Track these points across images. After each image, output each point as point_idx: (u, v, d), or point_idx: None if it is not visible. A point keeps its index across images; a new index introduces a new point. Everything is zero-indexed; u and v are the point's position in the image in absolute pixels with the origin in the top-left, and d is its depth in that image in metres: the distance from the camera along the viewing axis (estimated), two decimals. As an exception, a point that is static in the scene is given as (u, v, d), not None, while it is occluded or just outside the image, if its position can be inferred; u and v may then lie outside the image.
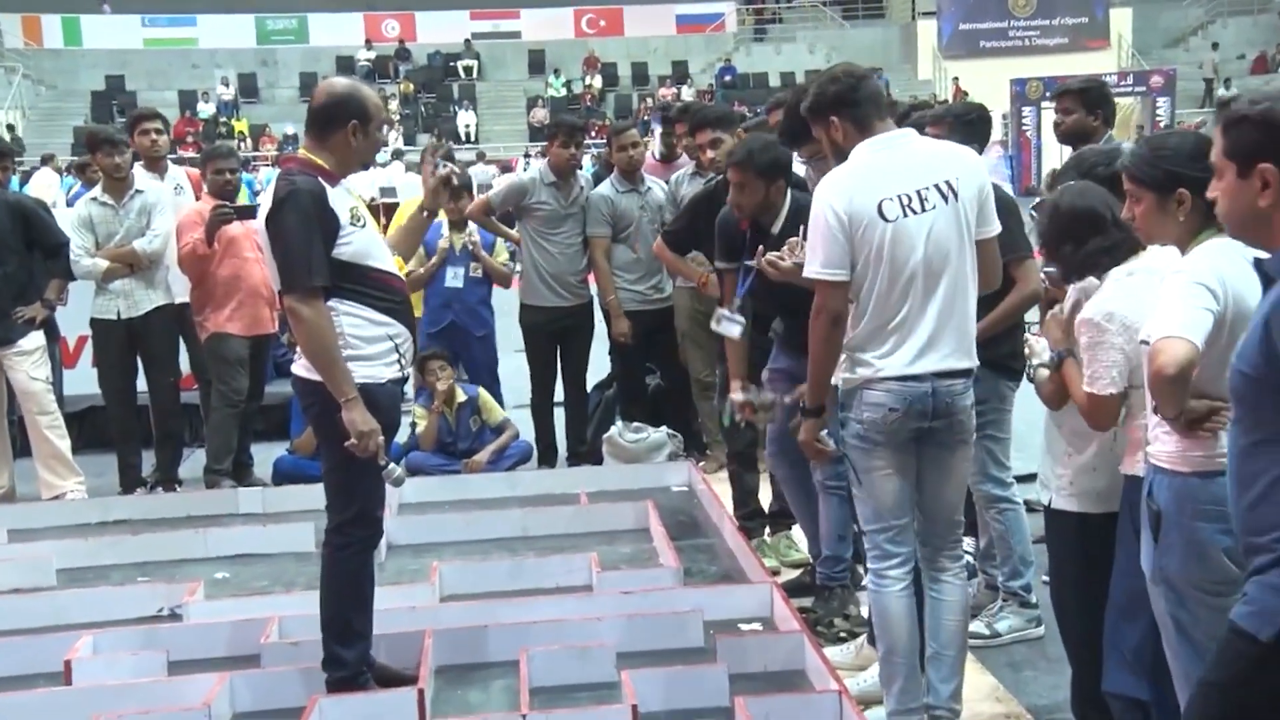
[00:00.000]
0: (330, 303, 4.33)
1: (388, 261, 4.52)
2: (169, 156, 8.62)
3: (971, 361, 4.21)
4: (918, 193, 4.06)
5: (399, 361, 4.50)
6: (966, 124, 5.35)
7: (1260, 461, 2.53)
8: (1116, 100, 6.60)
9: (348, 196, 4.45)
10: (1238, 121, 2.58)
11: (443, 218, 7.74)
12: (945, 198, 4.08)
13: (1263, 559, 2.57)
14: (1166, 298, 3.13)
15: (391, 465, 4.47)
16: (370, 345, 4.40)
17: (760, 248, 4.93)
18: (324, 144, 4.44)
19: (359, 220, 4.40)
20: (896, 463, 4.18)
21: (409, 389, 7.29)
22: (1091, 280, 3.84)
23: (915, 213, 4.05)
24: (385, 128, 5.57)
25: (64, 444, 7.68)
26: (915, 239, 4.05)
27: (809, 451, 4.45)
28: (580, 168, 8.18)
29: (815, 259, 4.12)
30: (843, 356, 4.19)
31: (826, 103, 4.21)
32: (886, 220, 4.04)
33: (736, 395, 5.24)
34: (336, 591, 4.52)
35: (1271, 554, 2.54)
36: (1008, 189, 5.73)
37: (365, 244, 4.40)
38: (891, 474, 4.18)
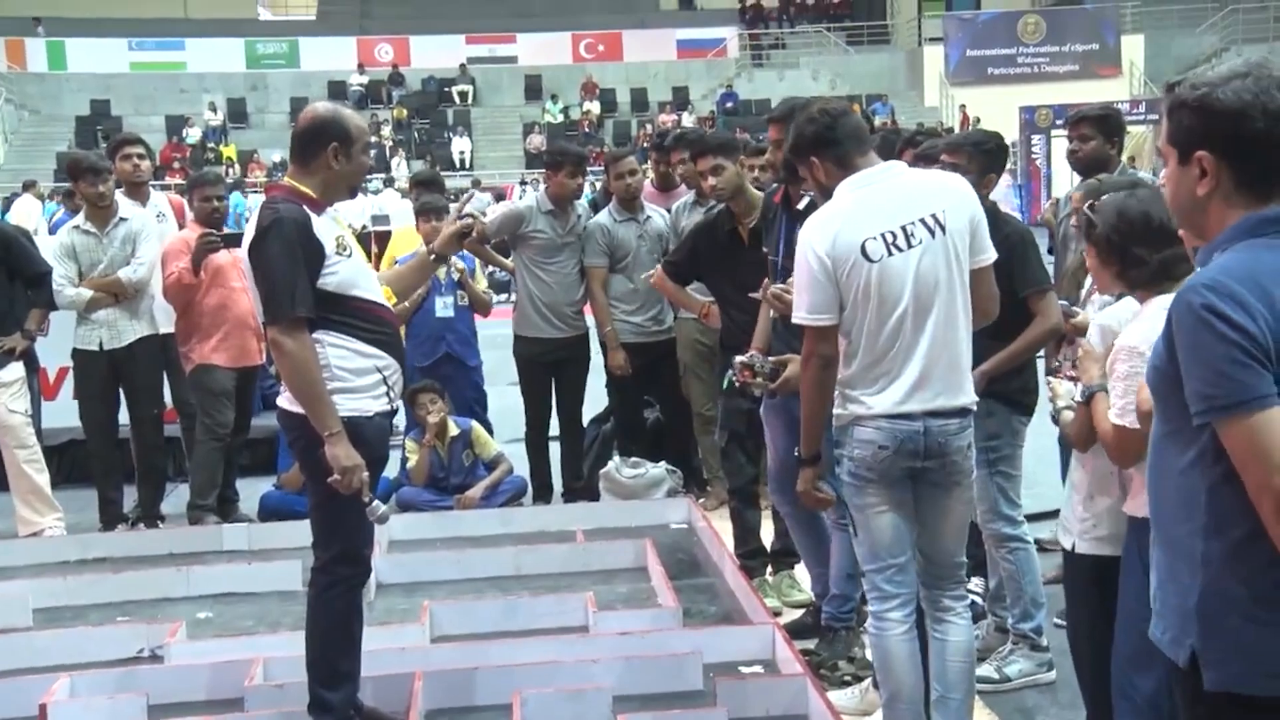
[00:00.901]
0: (316, 334, 4.27)
1: (375, 292, 4.46)
2: (152, 183, 8.48)
3: (967, 399, 4.12)
4: (903, 229, 3.98)
5: (387, 394, 4.44)
6: (985, 153, 5.25)
7: (1168, 455, 2.49)
8: (1130, 129, 6.50)
9: (334, 225, 4.38)
10: (1178, 107, 2.51)
11: (419, 246, 7.63)
12: (932, 231, 4.00)
13: (1163, 562, 2.49)
14: None
15: (376, 502, 4.40)
16: (357, 377, 4.34)
17: (766, 280, 4.85)
18: (307, 169, 4.39)
19: (345, 249, 4.34)
20: (891, 499, 4.10)
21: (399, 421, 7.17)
22: (1115, 311, 3.73)
23: (900, 250, 3.97)
24: (372, 152, 5.51)
25: (43, 479, 7.54)
26: (902, 277, 3.97)
27: (807, 500, 4.36)
28: (579, 196, 8.08)
29: (801, 304, 4.08)
30: (836, 392, 4.12)
31: (805, 144, 4.17)
32: (871, 260, 3.96)
33: (741, 357, 5.09)
34: (323, 632, 4.45)
35: (1178, 556, 2.44)
36: (1016, 219, 5.61)
37: (351, 274, 4.34)
38: (886, 510, 4.10)
